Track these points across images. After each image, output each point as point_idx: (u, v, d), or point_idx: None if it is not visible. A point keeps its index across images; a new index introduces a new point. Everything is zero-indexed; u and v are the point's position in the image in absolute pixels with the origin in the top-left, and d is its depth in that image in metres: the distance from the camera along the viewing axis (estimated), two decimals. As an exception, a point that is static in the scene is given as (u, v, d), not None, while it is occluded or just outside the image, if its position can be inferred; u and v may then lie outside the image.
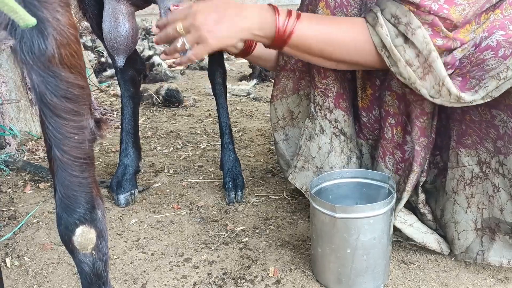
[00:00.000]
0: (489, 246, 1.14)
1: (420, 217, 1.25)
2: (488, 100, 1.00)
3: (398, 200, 1.18)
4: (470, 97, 1.00)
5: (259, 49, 1.35)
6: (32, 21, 0.61)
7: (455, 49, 1.04)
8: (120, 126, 1.63)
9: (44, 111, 0.73)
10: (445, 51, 1.04)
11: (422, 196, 1.23)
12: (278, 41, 1.09)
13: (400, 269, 1.19)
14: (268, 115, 2.40)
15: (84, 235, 0.81)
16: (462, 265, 1.20)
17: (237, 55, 1.37)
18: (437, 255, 1.23)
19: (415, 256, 1.24)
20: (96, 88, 2.89)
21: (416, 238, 1.21)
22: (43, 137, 0.81)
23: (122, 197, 1.52)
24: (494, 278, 1.15)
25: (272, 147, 1.99)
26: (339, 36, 1.10)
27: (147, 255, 1.27)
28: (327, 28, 1.10)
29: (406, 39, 1.03)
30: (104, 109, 2.54)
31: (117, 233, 1.38)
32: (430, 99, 1.04)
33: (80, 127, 0.76)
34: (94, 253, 0.83)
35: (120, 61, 1.42)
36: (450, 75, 1.03)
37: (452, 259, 1.22)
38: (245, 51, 1.33)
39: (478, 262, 1.16)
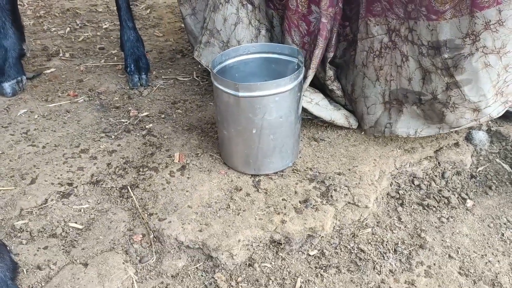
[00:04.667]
0: (396, 118, 1.12)
1: (330, 93, 1.20)
2: None
3: (304, 79, 1.11)
4: None
5: None
6: None
7: None
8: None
9: None
10: None
11: (330, 73, 1.17)
12: None
13: (310, 146, 1.16)
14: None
15: None
16: (371, 139, 1.18)
17: None
18: (347, 130, 1.21)
19: (326, 133, 1.21)
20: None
21: (324, 116, 1.16)
22: None
23: (7, 86, 1.34)
24: (401, 149, 1.15)
25: (183, 25, 1.82)
26: None
27: (38, 148, 1.15)
28: None
29: None
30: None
31: (2, 126, 1.22)
32: None
33: None
34: None
35: None
36: None
37: (362, 133, 1.20)
38: None
39: (387, 135, 1.15)
